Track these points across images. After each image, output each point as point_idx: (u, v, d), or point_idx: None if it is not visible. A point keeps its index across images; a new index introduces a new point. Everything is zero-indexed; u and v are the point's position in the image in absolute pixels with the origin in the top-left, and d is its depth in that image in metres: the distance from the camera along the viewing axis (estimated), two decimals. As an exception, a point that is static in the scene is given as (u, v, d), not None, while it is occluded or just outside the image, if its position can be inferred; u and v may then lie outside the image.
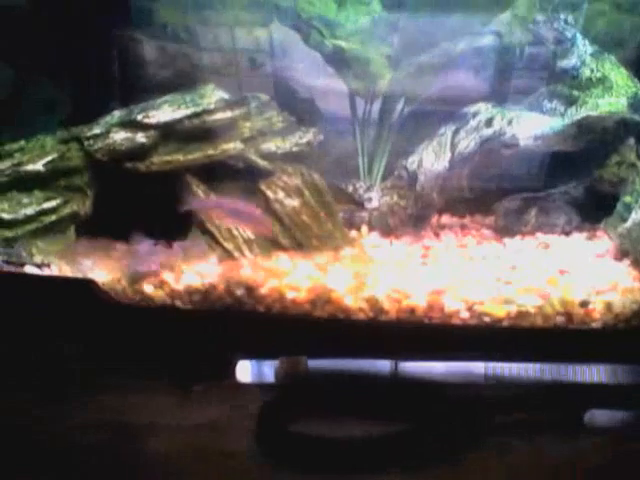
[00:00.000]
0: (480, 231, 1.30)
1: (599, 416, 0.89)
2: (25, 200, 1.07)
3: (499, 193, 1.29)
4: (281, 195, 1.10)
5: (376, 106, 1.34)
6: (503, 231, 1.26)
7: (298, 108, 1.29)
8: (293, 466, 0.81)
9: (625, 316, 1.00)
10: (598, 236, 1.23)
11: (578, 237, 1.25)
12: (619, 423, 0.89)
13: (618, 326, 1.01)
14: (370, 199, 1.24)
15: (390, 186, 1.26)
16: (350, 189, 1.25)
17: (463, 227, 1.32)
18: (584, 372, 0.96)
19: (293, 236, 1.11)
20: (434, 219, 1.33)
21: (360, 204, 1.24)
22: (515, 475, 0.81)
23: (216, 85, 1.19)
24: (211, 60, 1.30)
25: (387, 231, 1.25)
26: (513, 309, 1.00)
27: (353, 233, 1.25)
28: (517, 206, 1.26)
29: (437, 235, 1.27)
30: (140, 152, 1.06)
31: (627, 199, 1.16)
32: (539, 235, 1.26)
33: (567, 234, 1.26)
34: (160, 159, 1.06)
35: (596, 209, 1.24)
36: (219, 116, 1.09)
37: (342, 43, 1.21)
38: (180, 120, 1.07)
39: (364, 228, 1.26)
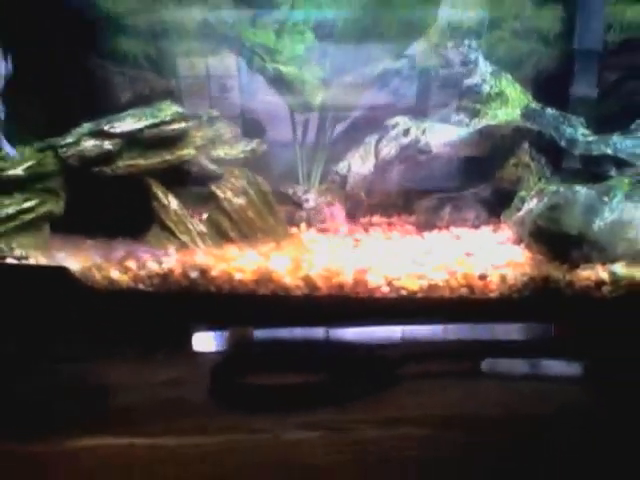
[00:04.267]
0: (404, 227, 1.50)
1: (494, 364, 1.09)
2: (6, 201, 1.22)
3: (420, 194, 1.49)
4: (229, 194, 1.28)
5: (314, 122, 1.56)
6: (423, 226, 1.46)
7: (244, 126, 1.49)
8: (241, 408, 0.99)
9: (517, 287, 1.20)
10: (502, 228, 1.44)
11: (485, 230, 1.45)
12: (510, 370, 1.09)
13: (512, 296, 1.22)
14: (307, 200, 1.43)
15: (325, 189, 1.46)
16: (290, 192, 1.44)
17: (390, 224, 1.51)
18: (483, 331, 1.16)
19: (240, 230, 1.28)
20: (366, 219, 1.53)
21: (299, 205, 1.43)
22: (425, 407, 1.00)
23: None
24: (168, 84, 1.49)
25: (323, 227, 1.44)
26: (425, 283, 1.20)
27: (293, 230, 1.44)
28: (434, 205, 1.46)
29: (367, 230, 1.46)
30: (107, 158, 1.24)
31: (522, 193, 1.38)
32: (452, 229, 1.46)
33: (476, 227, 1.46)
34: (124, 164, 1.24)
35: (501, 206, 1.46)
36: (174, 126, 1.27)
37: (281, 67, 1.41)
38: (141, 130, 1.25)
39: (303, 225, 1.44)
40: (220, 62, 1.46)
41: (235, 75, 1.49)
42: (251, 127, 1.48)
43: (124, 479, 0.93)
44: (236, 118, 1.49)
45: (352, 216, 1.44)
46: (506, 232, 1.41)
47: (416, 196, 1.46)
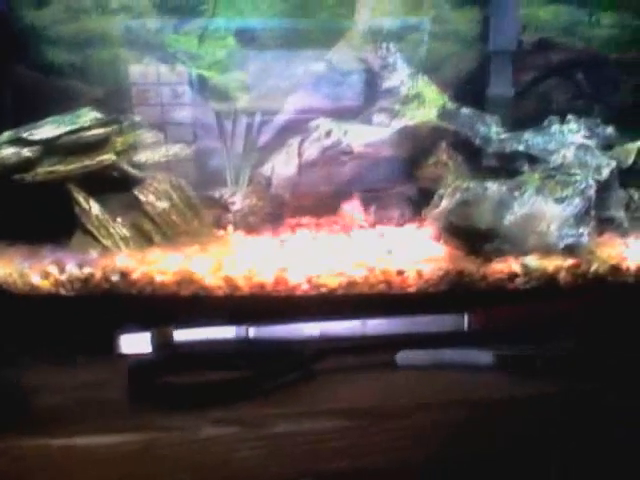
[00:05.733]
0: (332, 227, 1.53)
1: (407, 356, 1.12)
2: None
3: (346, 194, 1.52)
4: (152, 198, 1.29)
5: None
6: (349, 225, 1.50)
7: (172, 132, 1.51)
8: (158, 407, 1.00)
9: (434, 281, 1.24)
10: (425, 225, 1.48)
11: (409, 227, 1.48)
12: (424, 361, 1.12)
13: (429, 290, 1.25)
14: (234, 202, 1.45)
15: (251, 191, 1.48)
16: (217, 195, 1.46)
17: (318, 225, 1.54)
18: (397, 324, 1.19)
19: (164, 233, 1.30)
20: (294, 220, 1.56)
21: (225, 208, 1.45)
22: (340, 401, 1.03)
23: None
24: (92, 91, 1.51)
25: (249, 229, 1.45)
26: (344, 280, 1.23)
27: (221, 232, 1.46)
28: (359, 204, 1.50)
29: (293, 230, 1.49)
30: (26, 165, 1.23)
31: (441, 191, 1.42)
32: (378, 227, 1.50)
33: (401, 225, 1.50)
34: (44, 170, 1.23)
35: (424, 204, 1.50)
36: (94, 132, 1.27)
37: (203, 72, 1.44)
38: (60, 136, 1.25)
39: (230, 228, 1.46)
40: (145, 69, 1.48)
41: (163, 82, 1.51)
42: (179, 133, 1.50)
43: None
44: (165, 124, 1.51)
45: (278, 217, 1.47)
46: (429, 229, 1.46)
47: (342, 196, 1.50)
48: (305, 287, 1.21)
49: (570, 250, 1.25)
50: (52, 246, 1.28)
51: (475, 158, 1.44)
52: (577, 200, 1.26)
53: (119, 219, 1.26)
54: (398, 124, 1.43)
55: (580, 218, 1.26)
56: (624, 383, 1.04)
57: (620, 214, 1.41)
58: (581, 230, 1.25)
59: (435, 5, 1.56)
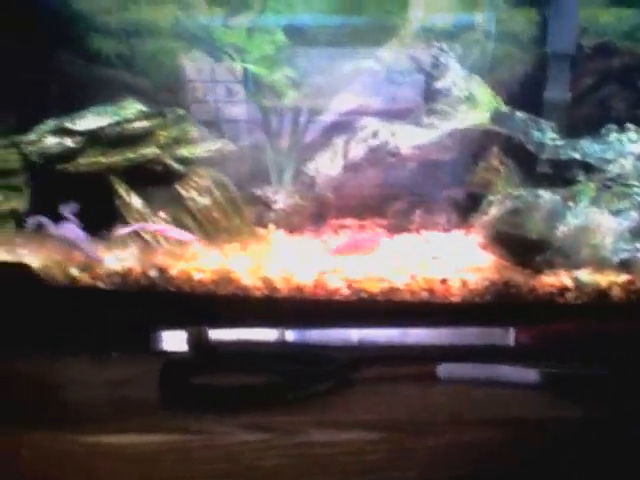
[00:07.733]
0: (375, 230, 1.49)
1: (449, 368, 1.08)
2: (-29, 199, 1.23)
3: (392, 197, 1.48)
4: (194, 194, 1.28)
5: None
6: (393, 229, 1.45)
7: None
8: (188, 409, 0.98)
9: (479, 292, 1.19)
10: (472, 232, 1.43)
11: (456, 233, 1.44)
12: (464, 374, 1.07)
13: (474, 300, 1.20)
14: (276, 201, 1.42)
15: (294, 190, 1.45)
16: (259, 193, 1.44)
17: (361, 227, 1.51)
18: (440, 335, 1.15)
19: (205, 230, 1.28)
20: (337, 221, 1.52)
21: (268, 205, 1.43)
22: (375, 411, 0.99)
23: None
24: (140, 82, 1.49)
25: (291, 228, 1.43)
26: (386, 286, 1.19)
27: (262, 231, 1.43)
28: (405, 208, 1.45)
29: (336, 232, 1.46)
30: (69, 155, 1.23)
31: (490, 198, 1.36)
32: (423, 232, 1.46)
33: (447, 231, 1.45)
34: (86, 161, 1.23)
35: (472, 210, 1.45)
36: (137, 125, 1.27)
37: (250, 66, 1.41)
38: (103, 128, 1.25)
39: (271, 226, 1.43)
40: (194, 62, 1.46)
41: (210, 76, 1.49)
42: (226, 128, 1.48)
43: (64, 476, 0.94)
44: (211, 119, 1.49)
45: (320, 217, 1.44)
46: (476, 236, 1.41)
47: (387, 199, 1.45)
48: (345, 292, 1.18)
49: (625, 265, 1.19)
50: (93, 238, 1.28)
51: (528, 165, 1.38)
52: (634, 213, 1.20)
53: (160, 214, 1.25)
54: (448, 126, 1.38)
55: (637, 232, 1.20)
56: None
57: (681, 230, 1.34)
58: (638, 245, 1.19)
59: (491, 4, 1.51)
